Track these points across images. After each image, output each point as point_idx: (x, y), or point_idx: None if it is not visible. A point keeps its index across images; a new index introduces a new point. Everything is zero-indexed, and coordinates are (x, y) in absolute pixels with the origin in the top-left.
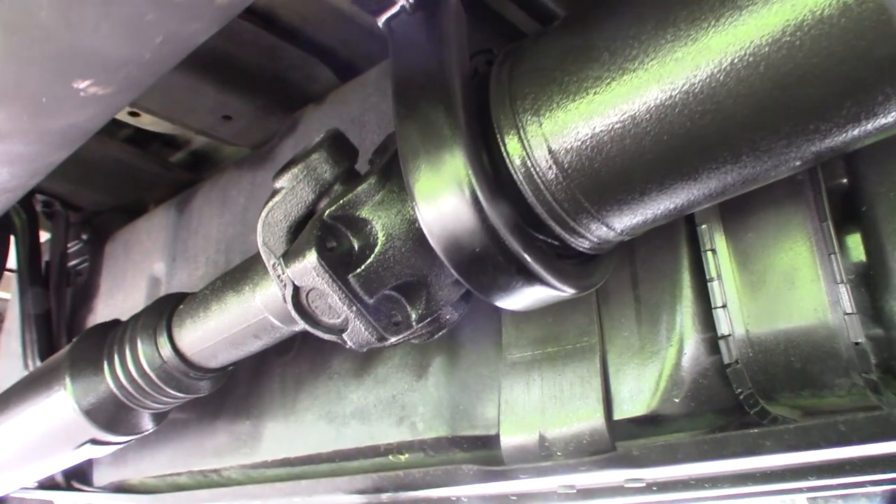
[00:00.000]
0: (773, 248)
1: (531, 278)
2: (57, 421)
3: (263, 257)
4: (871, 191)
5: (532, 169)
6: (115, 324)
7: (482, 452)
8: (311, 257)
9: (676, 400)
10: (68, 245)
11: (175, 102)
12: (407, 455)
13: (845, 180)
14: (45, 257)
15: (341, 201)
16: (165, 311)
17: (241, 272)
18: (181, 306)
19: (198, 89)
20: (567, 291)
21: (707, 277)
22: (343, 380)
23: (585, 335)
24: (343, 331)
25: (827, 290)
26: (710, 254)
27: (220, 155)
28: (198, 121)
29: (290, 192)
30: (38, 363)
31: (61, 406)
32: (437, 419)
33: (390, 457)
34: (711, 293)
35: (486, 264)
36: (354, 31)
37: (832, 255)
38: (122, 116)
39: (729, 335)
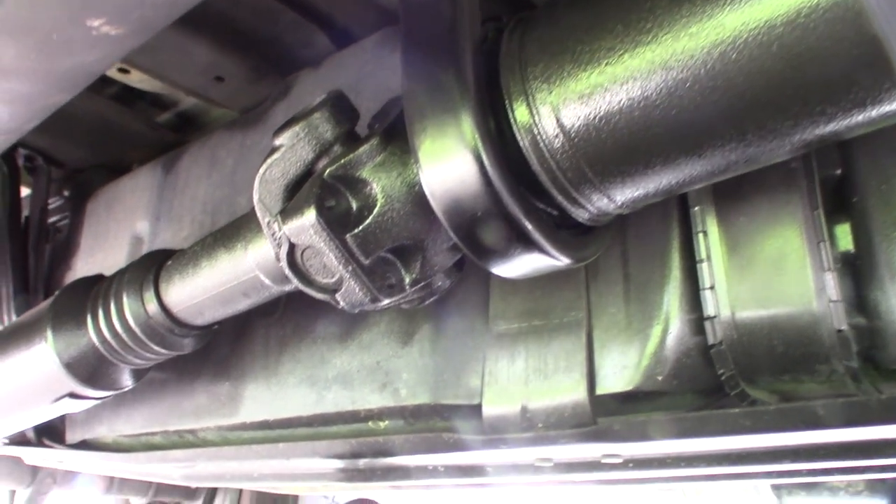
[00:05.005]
0: (764, 234)
1: (529, 245)
2: (36, 373)
3: (258, 214)
4: (863, 182)
5: (538, 136)
6: (98, 278)
7: (463, 422)
8: (310, 215)
9: (659, 378)
10: (49, 201)
11: (167, 60)
12: (387, 422)
13: (839, 171)
14: (25, 212)
15: (342, 161)
16: (153, 266)
17: (232, 229)
18: (169, 262)
19: (191, 48)
20: (563, 261)
21: (697, 259)
22: (327, 344)
23: (573, 310)
24: (336, 291)
25: (814, 277)
26: (701, 236)
27: (207, 118)
28: (189, 80)
29: (290, 149)
30: (14, 319)
31: (41, 359)
32: (421, 386)
33: (370, 423)
34: (700, 275)
35: (486, 229)
36: None
37: (821, 244)
38: (112, 73)
39: (715, 317)
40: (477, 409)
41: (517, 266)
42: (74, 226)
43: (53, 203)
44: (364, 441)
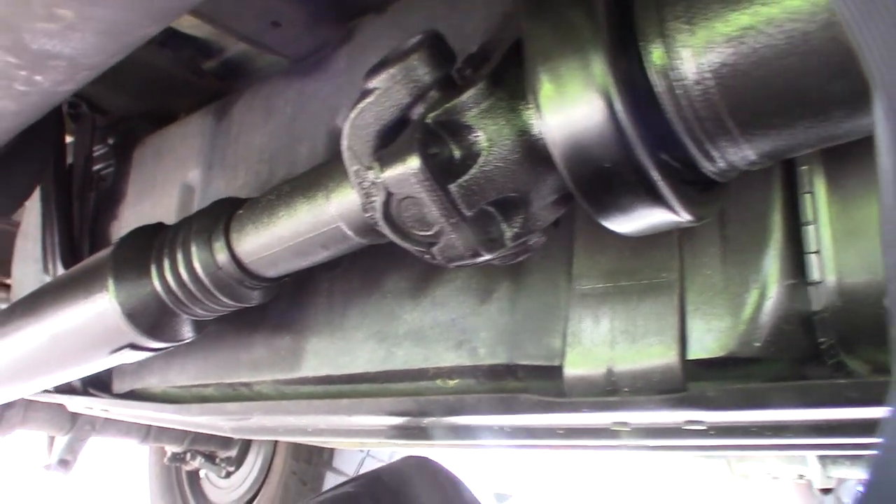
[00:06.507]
0: (876, 197)
1: (656, 200)
2: (95, 324)
3: (346, 162)
4: None
5: (676, 83)
6: (159, 227)
7: (537, 383)
8: (414, 162)
9: (756, 344)
10: (93, 149)
11: (222, 4)
12: (457, 380)
13: None
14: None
15: (445, 106)
16: (222, 215)
17: (312, 178)
18: (241, 211)
19: None
20: (686, 218)
21: (802, 221)
22: (397, 299)
23: (664, 271)
24: (433, 244)
25: None
26: (807, 196)
27: (254, 66)
28: (243, 25)
29: (384, 93)
30: (60, 267)
31: (101, 308)
32: (500, 345)
33: (438, 381)
34: (805, 238)
35: (612, 181)
36: None
37: None
38: None
39: (819, 282)
40: (556, 370)
41: (636, 221)
42: (120, 174)
43: (97, 151)
44: (433, 399)
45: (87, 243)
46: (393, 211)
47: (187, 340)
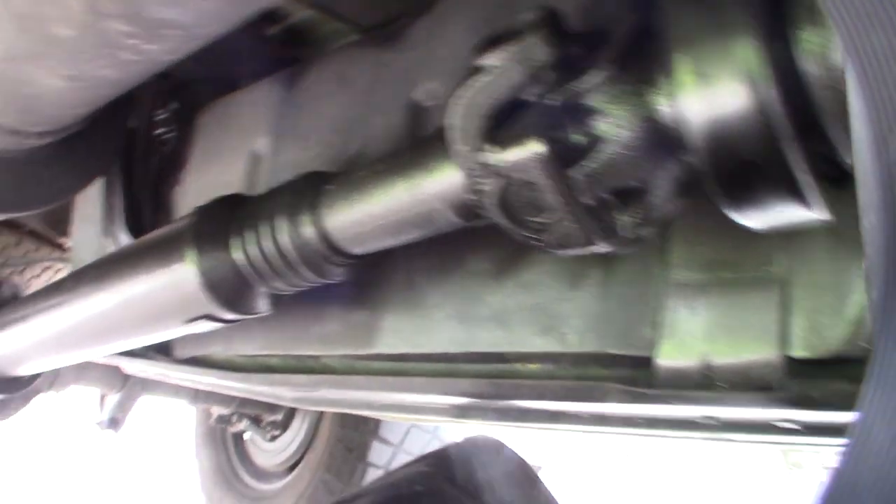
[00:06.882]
0: None
1: (797, 198)
2: (172, 293)
3: (454, 141)
4: None
5: (831, 72)
6: (240, 198)
7: (622, 372)
8: (536, 146)
9: (863, 344)
10: (155, 114)
11: None
12: (538, 365)
13: None
14: None
15: (568, 88)
16: (311, 188)
17: (409, 155)
18: (331, 186)
19: None
20: (824, 217)
21: None
22: (480, 280)
23: (768, 265)
24: (542, 230)
25: None
26: None
27: (317, 34)
28: None
29: (500, 72)
30: (122, 230)
31: (180, 277)
32: (591, 333)
33: (518, 365)
34: None
35: (755, 175)
36: None
37: None
38: None
39: None
40: (643, 361)
41: (769, 216)
42: (183, 140)
43: (158, 116)
44: (513, 383)
45: (148, 208)
46: (507, 195)
47: (262, 314)
